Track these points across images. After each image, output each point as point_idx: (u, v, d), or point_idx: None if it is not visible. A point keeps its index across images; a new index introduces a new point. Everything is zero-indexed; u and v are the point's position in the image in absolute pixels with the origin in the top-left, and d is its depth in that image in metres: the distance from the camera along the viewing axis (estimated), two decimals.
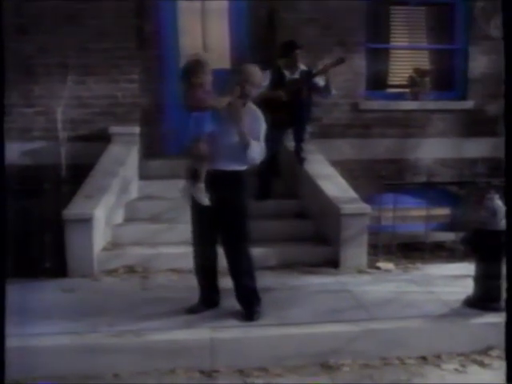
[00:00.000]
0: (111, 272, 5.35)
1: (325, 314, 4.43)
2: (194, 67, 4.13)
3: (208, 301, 4.46)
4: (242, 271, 4.32)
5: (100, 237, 5.50)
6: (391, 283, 5.22)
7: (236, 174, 4.20)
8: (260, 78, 4.30)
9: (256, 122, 4.22)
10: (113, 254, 5.51)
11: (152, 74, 7.12)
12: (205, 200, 4.16)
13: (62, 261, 5.27)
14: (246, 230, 4.28)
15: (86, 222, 5.24)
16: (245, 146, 4.11)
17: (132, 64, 6.87)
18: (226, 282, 4.46)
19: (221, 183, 4.16)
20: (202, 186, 4.17)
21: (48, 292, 4.90)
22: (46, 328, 4.08)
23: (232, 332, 4.11)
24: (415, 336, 4.22)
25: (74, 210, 5.35)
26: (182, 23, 7.27)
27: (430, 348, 4.18)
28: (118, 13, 6.71)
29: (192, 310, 4.38)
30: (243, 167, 4.23)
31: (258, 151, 4.18)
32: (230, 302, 4.41)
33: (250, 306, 4.32)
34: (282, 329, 4.16)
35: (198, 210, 4.27)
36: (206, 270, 4.43)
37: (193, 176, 4.21)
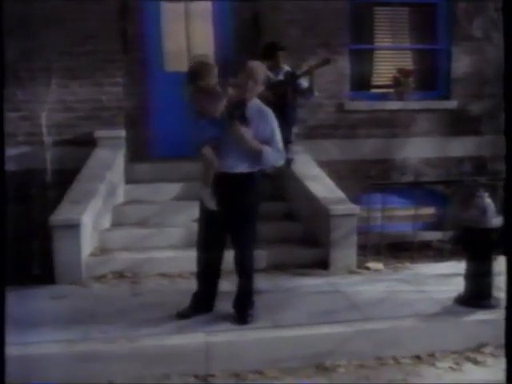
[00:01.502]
0: (100, 278, 5.28)
1: (318, 315, 4.42)
2: (200, 70, 4.09)
3: (201, 305, 4.40)
4: (244, 273, 4.29)
5: (88, 242, 5.43)
6: (382, 283, 5.22)
7: (244, 176, 4.14)
8: (264, 75, 4.21)
9: (264, 123, 4.13)
10: (101, 260, 5.45)
11: (136, 77, 7.07)
12: (212, 204, 4.14)
13: (50, 267, 5.19)
14: (254, 233, 4.26)
15: (74, 227, 5.17)
16: (258, 155, 4.07)
17: (116, 67, 6.81)
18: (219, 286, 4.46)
19: (229, 186, 4.13)
20: (209, 190, 4.14)
21: (37, 299, 4.83)
22: (36, 336, 4.00)
23: (226, 335, 4.08)
24: (409, 335, 4.23)
25: (60, 215, 5.28)
26: (165, 25, 7.24)
27: (424, 347, 4.20)
28: (102, 15, 6.64)
29: (183, 315, 4.33)
30: (253, 169, 4.16)
31: (273, 155, 4.12)
32: (222, 305, 4.39)
33: (243, 309, 4.29)
34: (276, 331, 4.15)
35: (206, 214, 4.24)
36: (209, 275, 4.38)
37: (202, 181, 4.20)
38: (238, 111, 4.09)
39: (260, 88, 4.19)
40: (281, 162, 4.27)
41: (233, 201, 4.14)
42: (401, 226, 6.96)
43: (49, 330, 4.13)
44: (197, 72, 4.08)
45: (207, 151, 4.10)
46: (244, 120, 4.09)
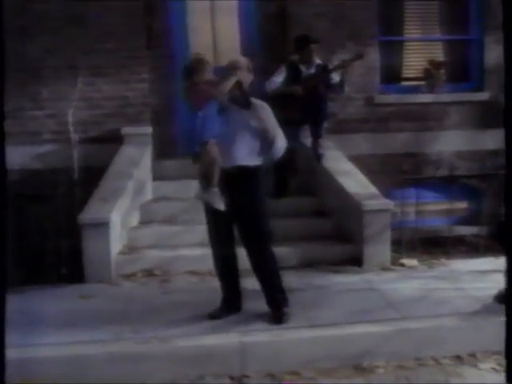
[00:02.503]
0: (129, 276, 5.23)
1: (354, 314, 4.30)
2: (195, 66, 4.06)
3: (230, 305, 4.32)
4: (267, 272, 4.18)
5: (117, 240, 5.38)
6: (418, 280, 5.09)
7: (251, 169, 4.06)
8: (248, 63, 4.22)
9: (264, 113, 4.10)
10: (130, 258, 5.40)
11: (162, 74, 6.98)
12: (220, 205, 3.99)
13: (79, 266, 5.15)
14: (266, 228, 4.15)
15: (103, 225, 5.12)
16: (271, 143, 4.05)
17: (141, 64, 6.74)
18: (249, 284, 4.34)
19: (235, 179, 4.02)
20: (216, 190, 4.00)
21: (66, 299, 4.79)
22: (67, 337, 3.94)
23: (261, 335, 3.97)
24: (448, 334, 4.08)
25: (89, 213, 5.24)
26: (191, 21, 7.14)
27: (465, 347, 4.05)
28: (127, 12, 6.59)
29: (214, 316, 4.25)
30: (258, 162, 4.10)
31: (281, 144, 4.14)
32: (256, 304, 4.27)
33: (277, 308, 4.18)
34: (312, 331, 4.03)
35: (212, 214, 4.12)
36: (227, 274, 4.31)
37: (206, 180, 4.04)
38: (240, 98, 4.07)
39: (250, 77, 4.20)
40: (282, 151, 4.20)
41: (239, 196, 4.01)
42: (434, 220, 6.81)
43: (79, 330, 4.07)
44: (191, 68, 4.05)
45: (210, 147, 3.97)
46: (248, 105, 4.06)
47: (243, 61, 4.23)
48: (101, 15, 6.51)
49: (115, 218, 5.28)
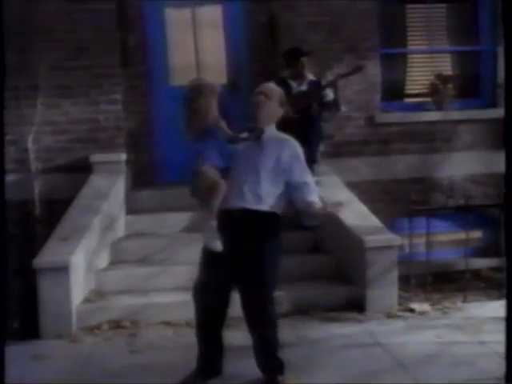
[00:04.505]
0: (93, 329, 4.54)
1: (356, 377, 3.64)
2: (195, 92, 3.56)
3: (208, 368, 3.60)
4: (265, 332, 3.47)
5: (80, 286, 4.70)
6: (430, 331, 4.38)
7: (265, 216, 3.39)
8: (281, 96, 3.64)
9: (294, 157, 3.48)
10: (96, 307, 4.70)
11: (138, 93, 6.32)
12: (216, 245, 3.34)
13: (34, 319, 4.46)
14: (273, 286, 3.46)
15: (62, 270, 4.46)
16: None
17: (114, 83, 6.07)
18: (229, 340, 3.67)
19: (240, 224, 3.38)
20: (213, 224, 3.35)
21: (15, 360, 3.98)
22: None
23: None
24: None
25: (46, 256, 4.58)
26: (170, 35, 6.50)
27: None
28: (98, 25, 5.92)
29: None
30: (273, 208, 3.43)
31: (311, 191, 3.51)
32: (239, 364, 3.62)
33: (270, 376, 3.47)
34: None
35: (209, 254, 3.42)
36: (208, 326, 3.58)
37: (204, 211, 3.51)
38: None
39: (279, 111, 3.61)
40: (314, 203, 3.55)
41: (246, 244, 3.35)
42: (445, 252, 6.13)
43: None
44: (190, 94, 3.58)
45: (209, 169, 3.37)
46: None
47: (275, 91, 3.61)
48: (68, 29, 5.86)
49: (77, 260, 4.61)
